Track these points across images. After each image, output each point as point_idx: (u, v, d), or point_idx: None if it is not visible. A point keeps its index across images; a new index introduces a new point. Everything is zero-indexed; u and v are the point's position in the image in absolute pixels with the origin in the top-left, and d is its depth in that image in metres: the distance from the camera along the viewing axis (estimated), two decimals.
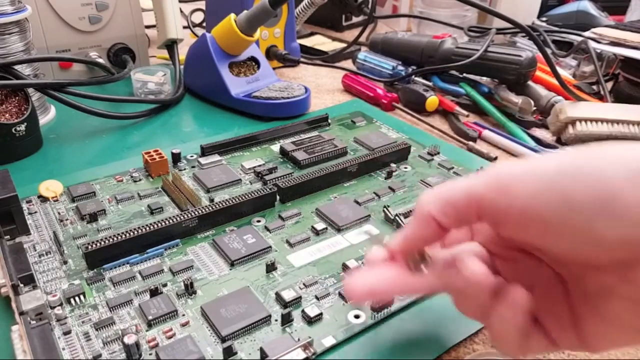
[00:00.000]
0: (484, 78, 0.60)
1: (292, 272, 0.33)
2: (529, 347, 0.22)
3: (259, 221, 0.38)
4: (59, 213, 0.37)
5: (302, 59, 0.70)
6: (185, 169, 0.44)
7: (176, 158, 0.45)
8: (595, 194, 0.18)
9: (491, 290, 0.22)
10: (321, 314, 0.29)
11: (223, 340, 0.28)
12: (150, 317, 0.28)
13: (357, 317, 0.29)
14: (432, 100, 0.58)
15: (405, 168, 0.45)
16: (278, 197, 0.40)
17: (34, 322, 0.26)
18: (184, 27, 0.76)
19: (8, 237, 0.34)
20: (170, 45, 0.67)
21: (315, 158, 0.46)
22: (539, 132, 0.55)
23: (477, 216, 0.22)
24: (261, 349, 0.27)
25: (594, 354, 0.28)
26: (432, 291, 0.25)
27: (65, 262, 0.33)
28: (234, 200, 0.37)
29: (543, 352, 0.25)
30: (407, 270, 0.24)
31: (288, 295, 0.30)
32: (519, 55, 0.56)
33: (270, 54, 0.69)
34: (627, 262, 0.19)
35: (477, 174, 0.22)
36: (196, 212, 0.35)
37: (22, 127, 0.45)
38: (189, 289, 0.31)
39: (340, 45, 0.80)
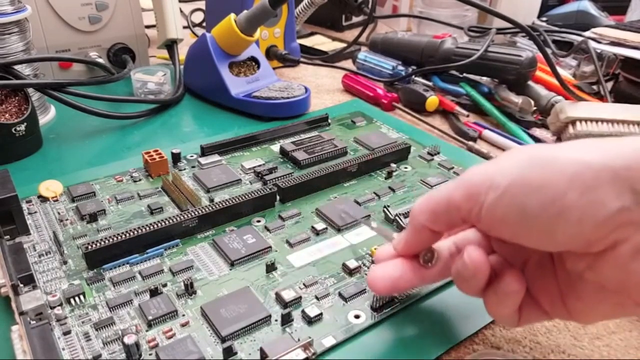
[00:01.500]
0: (484, 78, 0.60)
1: (292, 272, 0.33)
2: (523, 318, 0.25)
3: (259, 221, 0.38)
4: (58, 213, 0.37)
5: (302, 59, 0.70)
6: (185, 169, 0.44)
7: (176, 158, 0.45)
8: (542, 201, 0.20)
9: (489, 273, 0.24)
10: (321, 314, 0.29)
11: (223, 340, 0.27)
12: (150, 317, 0.28)
13: (357, 317, 0.29)
14: (432, 100, 0.58)
15: (405, 168, 0.45)
16: (278, 197, 0.40)
17: (34, 322, 0.26)
18: (184, 27, 0.76)
19: (8, 237, 0.34)
20: (170, 45, 0.67)
21: (315, 158, 0.45)
22: (539, 132, 0.55)
23: (460, 221, 0.24)
24: (261, 349, 0.27)
25: (585, 325, 0.30)
26: (443, 278, 0.28)
27: (65, 262, 0.33)
28: (234, 200, 0.37)
29: (537, 322, 0.27)
30: (417, 264, 0.27)
31: (288, 295, 0.30)
32: (519, 55, 0.56)
33: (270, 54, 0.69)
34: (590, 256, 0.21)
35: (453, 180, 0.24)
36: (196, 212, 0.35)
37: (22, 127, 0.45)
38: (189, 289, 0.31)
39: (340, 45, 0.80)
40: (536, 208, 0.20)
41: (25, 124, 0.46)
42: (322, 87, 0.67)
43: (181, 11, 0.75)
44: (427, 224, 0.25)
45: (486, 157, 0.49)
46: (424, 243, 0.26)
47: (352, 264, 0.33)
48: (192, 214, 0.35)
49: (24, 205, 0.38)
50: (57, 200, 0.39)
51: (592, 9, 0.78)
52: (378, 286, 0.27)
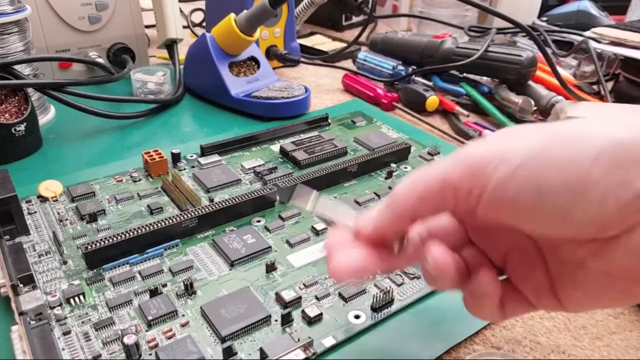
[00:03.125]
0: (484, 78, 0.60)
1: (292, 273, 0.33)
2: (507, 312, 0.23)
3: (258, 221, 0.38)
4: (58, 213, 0.37)
5: (302, 59, 0.70)
6: (185, 169, 0.44)
7: (176, 158, 0.45)
8: (565, 179, 0.18)
9: (457, 272, 0.22)
10: (321, 314, 0.29)
11: (223, 340, 0.27)
12: (150, 318, 0.28)
13: (357, 317, 0.29)
14: (432, 100, 0.58)
15: (405, 168, 0.45)
16: (278, 197, 0.40)
17: (34, 322, 0.26)
18: (184, 27, 0.76)
19: (8, 237, 0.34)
20: (170, 45, 0.67)
21: (315, 158, 0.45)
22: None
23: (453, 204, 0.21)
24: (261, 349, 0.27)
25: (576, 313, 0.29)
26: (410, 264, 0.26)
27: (64, 262, 0.33)
28: (233, 200, 0.37)
29: (523, 314, 0.25)
30: (383, 251, 0.23)
31: (288, 295, 0.30)
32: (520, 55, 0.56)
33: (270, 53, 0.69)
34: (600, 242, 0.19)
35: (447, 157, 0.21)
36: (196, 212, 0.35)
37: (22, 127, 0.45)
38: (189, 289, 0.31)
39: (340, 45, 0.80)
40: (557, 185, 0.18)
41: (25, 124, 0.46)
42: (322, 87, 0.67)
43: (181, 11, 0.75)
44: (409, 212, 0.22)
45: None
46: (399, 231, 0.23)
47: None
48: (192, 214, 0.35)
49: (24, 205, 0.38)
50: (56, 200, 0.39)
51: (592, 9, 0.78)
52: (342, 277, 0.23)
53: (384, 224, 0.23)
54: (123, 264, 0.33)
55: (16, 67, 0.47)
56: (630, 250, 0.18)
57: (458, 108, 0.57)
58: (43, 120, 0.53)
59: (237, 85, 0.56)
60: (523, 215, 0.19)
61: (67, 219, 0.37)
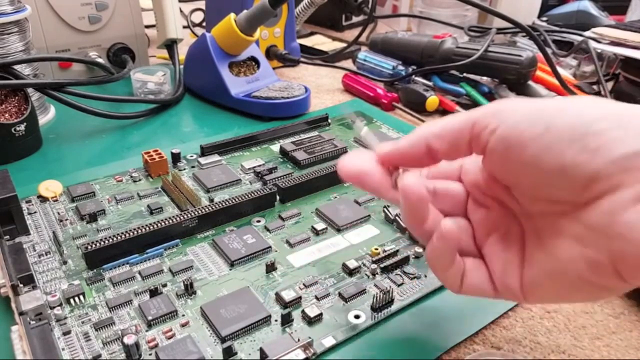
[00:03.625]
0: (485, 78, 0.60)
1: (292, 273, 0.33)
2: (463, 284, 0.25)
3: (258, 221, 0.38)
4: (58, 213, 0.37)
5: (302, 59, 0.70)
6: (185, 169, 0.44)
7: (176, 158, 0.45)
8: (572, 123, 0.20)
9: (427, 204, 0.24)
10: (321, 314, 0.29)
11: (223, 340, 0.27)
12: (150, 318, 0.28)
13: (357, 317, 0.29)
14: (432, 100, 0.58)
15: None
16: (278, 197, 0.40)
17: (34, 322, 0.26)
18: (184, 27, 0.76)
19: (8, 237, 0.34)
20: (170, 45, 0.67)
21: (315, 158, 0.45)
22: None
23: (469, 142, 0.23)
24: (261, 349, 0.27)
25: (533, 304, 0.30)
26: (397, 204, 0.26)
27: (64, 262, 0.33)
28: (233, 200, 0.37)
29: (478, 295, 0.25)
30: (387, 175, 0.25)
31: (288, 295, 0.30)
32: (520, 55, 0.56)
33: (270, 53, 0.69)
34: (584, 200, 0.20)
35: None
36: (196, 212, 0.35)
37: (22, 127, 0.45)
38: (189, 289, 0.31)
39: (340, 45, 0.80)
40: (563, 125, 0.20)
41: (25, 124, 0.46)
42: (322, 87, 0.67)
43: (181, 11, 0.75)
44: (430, 138, 0.24)
45: None
46: (413, 161, 0.25)
47: (352, 264, 0.33)
48: (192, 214, 0.35)
49: (24, 205, 0.38)
50: (56, 200, 0.39)
51: (593, 9, 0.78)
52: (344, 170, 0.26)
53: (403, 146, 0.25)
54: (123, 264, 0.33)
55: (16, 67, 0.47)
56: (610, 210, 0.19)
57: (458, 108, 0.57)
58: (43, 120, 0.53)
59: (237, 85, 0.56)
60: (525, 150, 0.21)
61: (67, 219, 0.37)
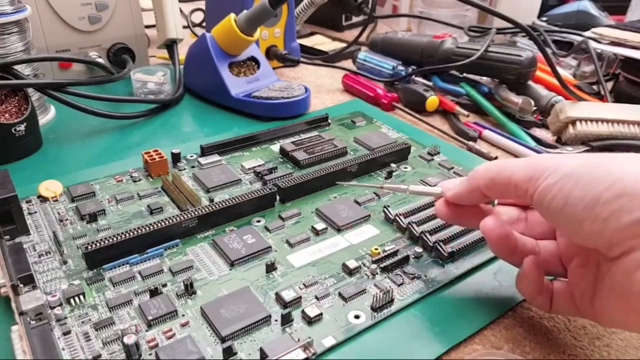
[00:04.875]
0: (484, 78, 0.60)
1: (292, 273, 0.33)
2: (554, 305, 0.28)
3: (259, 221, 0.38)
4: (58, 213, 0.37)
5: (302, 59, 0.70)
6: (185, 169, 0.44)
7: (176, 158, 0.45)
8: (583, 196, 0.23)
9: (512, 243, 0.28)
10: (321, 314, 0.29)
11: (223, 340, 0.27)
12: (150, 317, 0.28)
13: (357, 317, 0.29)
14: (432, 100, 0.58)
15: (405, 168, 0.45)
16: (278, 197, 0.40)
17: (34, 322, 0.26)
18: (184, 27, 0.76)
19: (8, 237, 0.34)
20: (170, 45, 0.67)
21: (315, 158, 0.45)
22: (539, 132, 0.55)
23: (514, 197, 0.27)
24: (261, 349, 0.27)
25: (605, 328, 0.31)
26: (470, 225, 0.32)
27: (65, 262, 0.33)
28: (233, 200, 0.37)
29: (567, 314, 0.29)
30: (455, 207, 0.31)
31: (288, 295, 0.30)
32: (519, 55, 0.56)
33: (270, 53, 0.69)
34: (612, 256, 0.23)
35: (521, 159, 0.27)
36: (196, 212, 0.35)
37: (22, 127, 0.45)
38: (189, 289, 0.31)
39: (340, 45, 0.80)
40: (577, 199, 0.23)
41: (25, 124, 0.46)
42: (322, 87, 0.67)
43: (181, 11, 0.75)
44: (482, 188, 0.28)
45: (486, 157, 0.49)
46: (472, 201, 0.30)
47: (352, 264, 0.33)
48: (192, 214, 0.35)
49: (24, 205, 0.38)
50: (57, 200, 0.39)
51: (592, 9, 0.78)
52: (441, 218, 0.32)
53: (462, 193, 0.29)
54: (123, 264, 0.33)
55: (16, 67, 0.47)
56: (625, 270, 0.22)
57: (458, 108, 0.57)
58: (43, 120, 0.53)
59: (237, 85, 0.56)
60: (553, 218, 0.25)
61: (67, 219, 0.37)
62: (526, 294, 0.29)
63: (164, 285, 0.31)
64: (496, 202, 0.31)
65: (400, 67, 0.64)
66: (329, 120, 0.53)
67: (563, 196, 0.23)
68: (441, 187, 0.31)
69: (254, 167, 0.44)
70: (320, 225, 0.37)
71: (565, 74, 0.63)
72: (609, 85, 0.62)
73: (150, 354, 0.27)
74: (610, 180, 0.22)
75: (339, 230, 0.37)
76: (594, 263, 0.26)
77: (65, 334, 0.28)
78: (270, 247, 0.35)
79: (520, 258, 0.28)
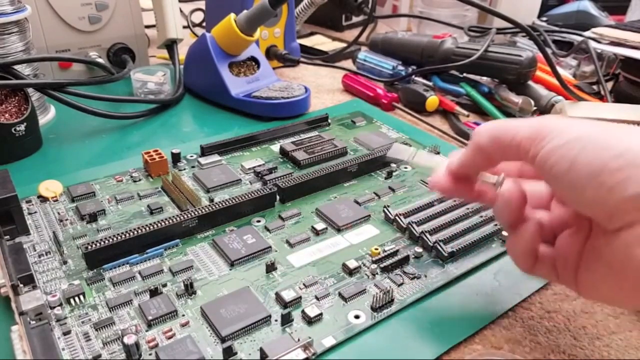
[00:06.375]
0: (484, 78, 0.60)
1: (292, 273, 0.33)
2: (536, 268, 0.27)
3: (259, 221, 0.38)
4: (58, 213, 0.37)
5: (302, 59, 0.70)
6: (185, 169, 0.44)
7: (176, 158, 0.45)
8: (590, 162, 0.22)
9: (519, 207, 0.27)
10: (321, 314, 0.29)
11: (223, 340, 0.27)
12: (150, 317, 0.28)
13: (357, 317, 0.29)
14: (432, 100, 0.58)
15: (405, 168, 0.45)
16: (278, 197, 0.40)
17: (34, 322, 0.26)
18: (184, 27, 0.76)
19: (8, 237, 0.34)
20: (170, 45, 0.67)
21: (315, 158, 0.45)
22: None
23: (516, 157, 0.26)
24: (261, 349, 0.27)
25: (587, 300, 0.32)
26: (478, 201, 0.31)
27: (65, 262, 0.33)
28: (234, 200, 0.37)
29: (545, 278, 0.30)
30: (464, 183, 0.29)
31: (288, 295, 0.30)
32: (519, 55, 0.56)
33: (270, 53, 0.69)
34: (612, 228, 0.22)
35: (527, 119, 0.26)
36: (196, 212, 0.35)
37: (22, 127, 0.45)
38: (189, 289, 0.31)
39: (340, 45, 0.80)
40: (583, 164, 0.22)
41: (25, 124, 0.46)
42: (322, 87, 0.67)
43: (181, 11, 0.75)
44: (485, 146, 0.27)
45: None
46: (477, 165, 0.28)
47: (352, 264, 0.33)
48: (192, 214, 0.35)
49: (24, 205, 0.38)
50: (57, 200, 0.39)
51: (592, 9, 0.78)
52: (434, 190, 0.30)
53: (465, 158, 0.28)
54: (123, 264, 0.33)
55: (16, 67, 0.47)
56: (626, 244, 0.21)
57: (458, 108, 0.57)
58: (43, 120, 0.53)
59: (237, 85, 0.56)
60: (555, 182, 0.24)
61: (67, 219, 0.37)
62: (515, 255, 0.28)
63: (164, 285, 0.31)
64: (502, 175, 0.29)
65: (400, 67, 0.64)
66: (329, 120, 0.53)
67: (568, 160, 0.22)
68: (450, 157, 0.30)
69: (254, 167, 0.44)
70: (320, 225, 0.37)
71: (565, 74, 0.63)
72: (609, 85, 0.62)
73: (150, 354, 0.27)
74: (620, 149, 0.21)
75: (339, 230, 0.37)
76: (585, 234, 0.25)
77: (65, 334, 0.28)
78: (270, 247, 0.35)
79: (518, 223, 0.27)
